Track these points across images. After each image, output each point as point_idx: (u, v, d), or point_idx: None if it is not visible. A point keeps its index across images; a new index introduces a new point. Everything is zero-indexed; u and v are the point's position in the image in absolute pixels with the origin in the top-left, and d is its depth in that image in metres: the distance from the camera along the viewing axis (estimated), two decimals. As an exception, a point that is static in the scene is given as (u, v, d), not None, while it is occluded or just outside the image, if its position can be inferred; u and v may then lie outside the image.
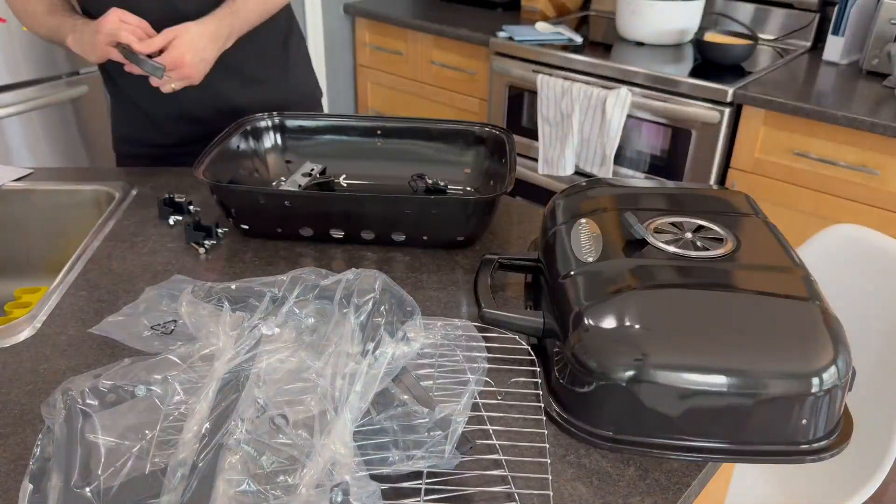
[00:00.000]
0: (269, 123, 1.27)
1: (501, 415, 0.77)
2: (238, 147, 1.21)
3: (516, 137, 1.69)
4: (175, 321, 0.87)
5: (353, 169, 1.26)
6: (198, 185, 1.26)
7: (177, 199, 1.17)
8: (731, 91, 1.98)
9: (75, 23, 1.20)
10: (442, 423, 0.67)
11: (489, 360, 0.80)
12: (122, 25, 1.12)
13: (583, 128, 2.25)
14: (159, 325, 0.88)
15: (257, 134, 1.26)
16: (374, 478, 0.64)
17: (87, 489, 0.62)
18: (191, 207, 1.18)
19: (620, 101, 2.13)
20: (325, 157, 1.27)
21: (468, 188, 1.24)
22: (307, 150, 1.25)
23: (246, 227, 1.11)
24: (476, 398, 0.75)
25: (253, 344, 0.77)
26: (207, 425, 0.67)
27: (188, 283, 0.92)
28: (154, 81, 1.15)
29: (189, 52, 1.13)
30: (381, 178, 1.25)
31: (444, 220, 1.06)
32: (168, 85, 1.16)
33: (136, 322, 0.88)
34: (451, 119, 1.35)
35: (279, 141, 1.28)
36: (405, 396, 0.71)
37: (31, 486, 0.64)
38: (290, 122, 1.28)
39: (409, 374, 0.76)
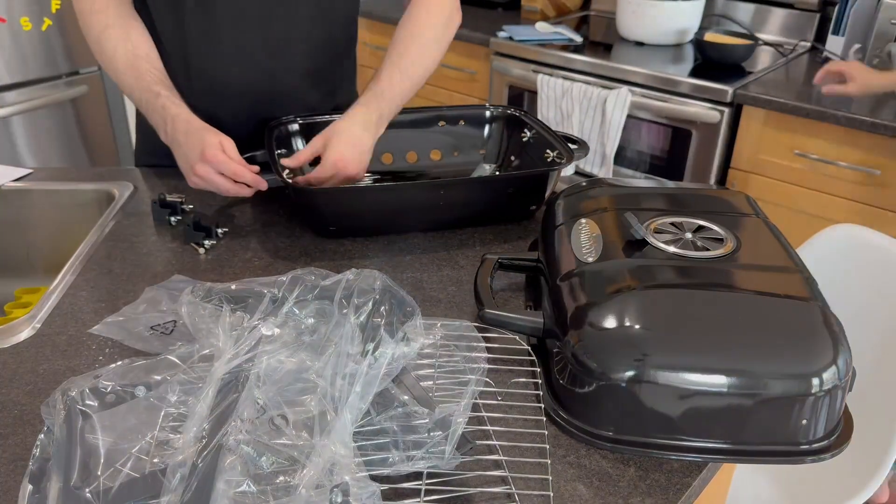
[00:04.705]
0: (297, 126, 1.25)
1: (501, 415, 0.77)
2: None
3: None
4: (175, 321, 0.87)
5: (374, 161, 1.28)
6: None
7: (169, 200, 1.17)
8: (731, 91, 1.98)
9: (165, 115, 1.08)
10: (442, 424, 0.67)
11: (489, 361, 0.80)
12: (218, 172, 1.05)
13: (583, 128, 2.25)
14: (159, 325, 0.88)
15: (287, 137, 1.24)
16: (374, 478, 0.64)
17: (87, 490, 0.62)
18: (185, 207, 1.17)
19: (620, 101, 2.13)
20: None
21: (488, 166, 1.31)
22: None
23: (333, 228, 1.11)
24: (476, 398, 0.75)
25: (253, 344, 0.77)
26: (207, 426, 0.67)
27: (188, 283, 0.92)
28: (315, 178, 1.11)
29: (347, 148, 1.07)
30: (410, 167, 1.31)
31: (524, 193, 1.15)
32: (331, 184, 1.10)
33: (135, 322, 0.88)
34: (461, 105, 1.37)
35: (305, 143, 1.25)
36: (405, 397, 0.71)
37: (30, 487, 0.64)
38: (321, 120, 1.25)
39: (409, 374, 0.75)
